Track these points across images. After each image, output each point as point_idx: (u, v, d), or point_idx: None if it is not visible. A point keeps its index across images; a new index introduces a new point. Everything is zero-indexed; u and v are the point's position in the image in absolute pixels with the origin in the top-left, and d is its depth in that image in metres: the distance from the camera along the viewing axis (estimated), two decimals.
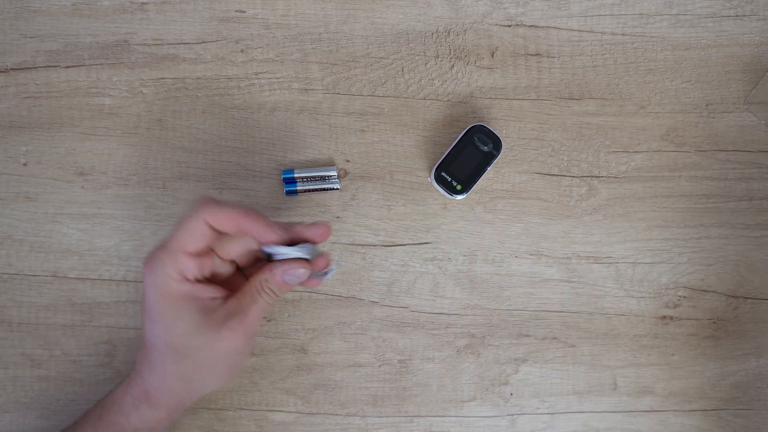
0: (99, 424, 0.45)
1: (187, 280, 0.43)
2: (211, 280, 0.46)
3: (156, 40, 0.55)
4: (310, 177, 0.53)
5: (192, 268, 0.43)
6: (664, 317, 0.54)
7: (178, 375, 0.44)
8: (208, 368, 0.45)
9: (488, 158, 0.53)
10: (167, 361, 0.44)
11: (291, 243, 0.45)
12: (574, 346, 0.53)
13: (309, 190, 0.53)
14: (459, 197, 0.52)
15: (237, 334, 0.44)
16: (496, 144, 0.53)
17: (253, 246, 0.46)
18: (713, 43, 0.56)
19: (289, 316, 0.53)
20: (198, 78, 0.55)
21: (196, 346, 0.43)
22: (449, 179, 0.52)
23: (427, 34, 0.55)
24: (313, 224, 0.45)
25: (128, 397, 0.45)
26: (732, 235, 0.54)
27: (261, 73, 0.55)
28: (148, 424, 0.45)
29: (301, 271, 0.45)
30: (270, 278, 0.45)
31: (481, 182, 0.54)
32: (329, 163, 0.54)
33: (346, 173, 0.54)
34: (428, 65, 0.55)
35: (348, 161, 0.54)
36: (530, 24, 0.55)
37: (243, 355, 0.45)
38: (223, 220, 0.43)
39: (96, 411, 0.46)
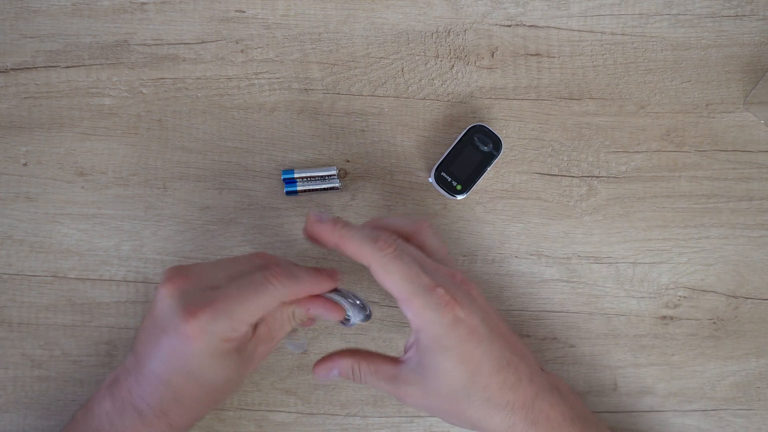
0: None
1: (237, 338, 0.43)
2: None
3: (156, 40, 0.55)
4: (310, 177, 0.53)
5: (247, 332, 0.43)
6: (664, 317, 0.54)
7: (213, 407, 0.46)
8: (234, 391, 0.47)
9: (488, 158, 0.53)
10: (203, 400, 0.44)
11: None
12: (574, 347, 0.53)
13: (309, 190, 0.53)
14: (459, 197, 0.52)
15: (263, 357, 0.46)
16: (496, 144, 0.53)
17: None
18: (713, 43, 0.56)
19: None
20: (198, 78, 0.55)
21: (234, 380, 0.44)
22: (449, 179, 0.52)
23: (427, 34, 0.55)
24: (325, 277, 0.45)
25: (144, 429, 0.43)
26: (732, 235, 0.54)
27: (261, 73, 0.55)
28: None
29: (335, 317, 0.45)
30: (303, 313, 0.45)
31: (481, 182, 0.54)
32: (329, 163, 0.54)
33: (346, 173, 0.54)
34: (428, 65, 0.55)
35: (348, 161, 0.54)
36: (530, 24, 0.55)
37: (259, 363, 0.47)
38: (298, 295, 0.44)
39: None
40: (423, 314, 0.42)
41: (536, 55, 0.55)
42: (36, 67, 0.54)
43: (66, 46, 0.55)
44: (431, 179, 0.53)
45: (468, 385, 0.42)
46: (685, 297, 0.54)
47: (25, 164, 0.54)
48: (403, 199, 0.54)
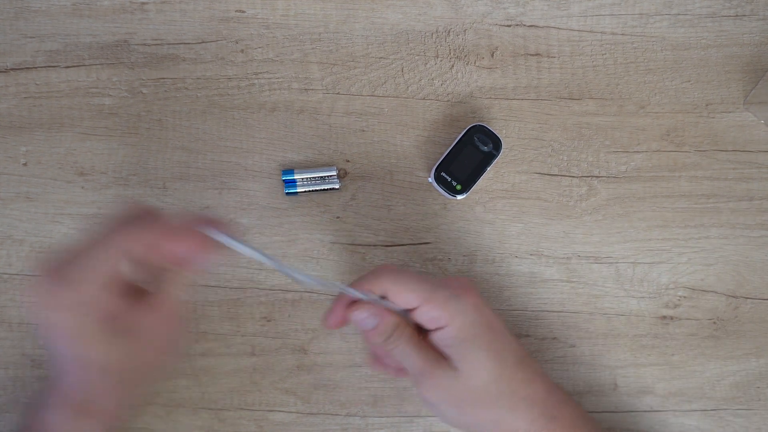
0: None
1: (102, 310, 0.39)
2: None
3: (156, 40, 0.55)
4: (310, 177, 0.53)
5: (107, 298, 0.38)
6: (664, 317, 0.54)
7: (121, 391, 0.42)
8: (146, 372, 0.43)
9: (488, 158, 0.53)
10: (106, 386, 0.41)
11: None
12: (574, 346, 0.53)
13: (309, 191, 0.53)
14: (459, 197, 0.52)
15: (160, 331, 0.41)
16: (496, 144, 0.53)
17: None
18: (713, 43, 0.56)
19: (289, 316, 0.53)
20: (198, 78, 0.55)
21: (127, 362, 0.40)
22: (449, 179, 0.52)
23: (427, 34, 0.55)
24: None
25: (61, 418, 0.40)
26: (732, 235, 0.54)
27: (261, 73, 0.55)
28: None
29: (198, 254, 0.39)
30: (175, 274, 0.41)
31: (481, 182, 0.54)
32: (329, 163, 0.54)
33: (346, 173, 0.54)
34: (428, 65, 0.55)
35: (348, 161, 0.54)
36: (530, 24, 0.55)
37: (175, 340, 0.44)
38: (145, 251, 0.39)
39: None
40: (449, 305, 0.42)
41: (536, 55, 0.55)
42: (36, 67, 0.54)
43: (66, 46, 0.55)
44: (431, 179, 0.53)
45: (498, 377, 0.43)
46: (685, 297, 0.54)
47: (25, 164, 0.54)
48: (403, 199, 0.54)
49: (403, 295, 0.43)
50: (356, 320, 0.44)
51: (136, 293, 0.41)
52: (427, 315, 0.43)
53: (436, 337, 0.44)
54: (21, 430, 0.42)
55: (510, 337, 0.45)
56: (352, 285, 0.44)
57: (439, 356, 0.44)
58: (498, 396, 0.43)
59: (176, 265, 0.40)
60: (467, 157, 0.52)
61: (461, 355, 0.43)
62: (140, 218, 0.40)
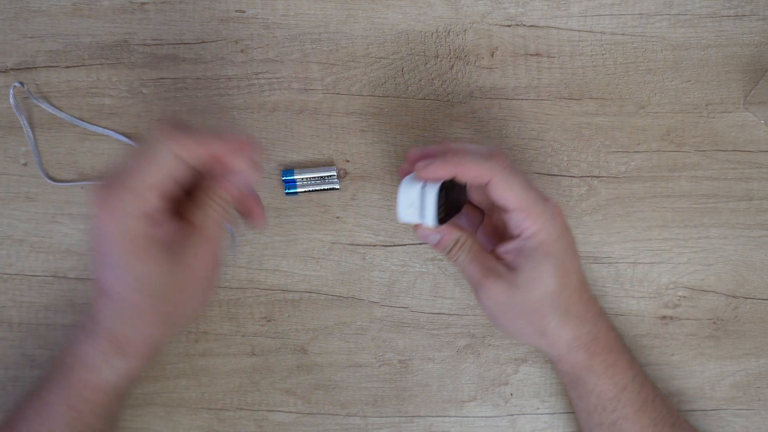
0: (67, 389, 0.42)
1: (151, 218, 0.39)
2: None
3: (156, 40, 0.55)
4: (310, 177, 0.53)
5: (157, 205, 0.39)
6: (664, 317, 0.54)
7: (156, 321, 0.41)
8: (183, 304, 0.42)
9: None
10: (142, 310, 0.41)
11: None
12: None
13: (309, 191, 0.53)
14: (430, 224, 0.44)
15: (202, 257, 0.41)
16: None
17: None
18: (713, 43, 0.56)
19: (289, 316, 0.53)
20: (198, 78, 0.55)
21: (167, 284, 0.40)
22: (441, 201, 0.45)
23: (426, 34, 0.55)
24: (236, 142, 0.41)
25: (93, 352, 0.41)
26: (732, 235, 0.54)
27: (261, 73, 0.55)
28: (125, 375, 0.43)
29: (248, 176, 0.42)
30: (217, 189, 0.42)
31: None
32: (329, 163, 0.54)
33: (346, 173, 0.54)
34: (428, 65, 0.55)
35: (348, 161, 0.54)
36: (530, 24, 0.55)
37: (214, 276, 0.43)
38: (195, 149, 0.40)
39: (57, 375, 0.42)
40: (540, 220, 0.44)
41: (536, 55, 0.55)
42: (36, 67, 0.54)
43: (66, 46, 0.55)
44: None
45: (558, 292, 0.45)
46: (685, 297, 0.54)
47: (25, 164, 0.54)
48: None
49: (504, 195, 0.43)
50: (421, 236, 0.46)
51: (181, 218, 0.41)
52: (518, 221, 0.44)
53: (515, 244, 0.45)
54: (54, 363, 0.44)
55: (578, 260, 0.47)
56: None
57: (498, 267, 0.45)
58: (551, 311, 0.45)
59: (223, 170, 0.41)
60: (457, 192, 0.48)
61: (532, 266, 0.44)
62: (186, 125, 0.41)
